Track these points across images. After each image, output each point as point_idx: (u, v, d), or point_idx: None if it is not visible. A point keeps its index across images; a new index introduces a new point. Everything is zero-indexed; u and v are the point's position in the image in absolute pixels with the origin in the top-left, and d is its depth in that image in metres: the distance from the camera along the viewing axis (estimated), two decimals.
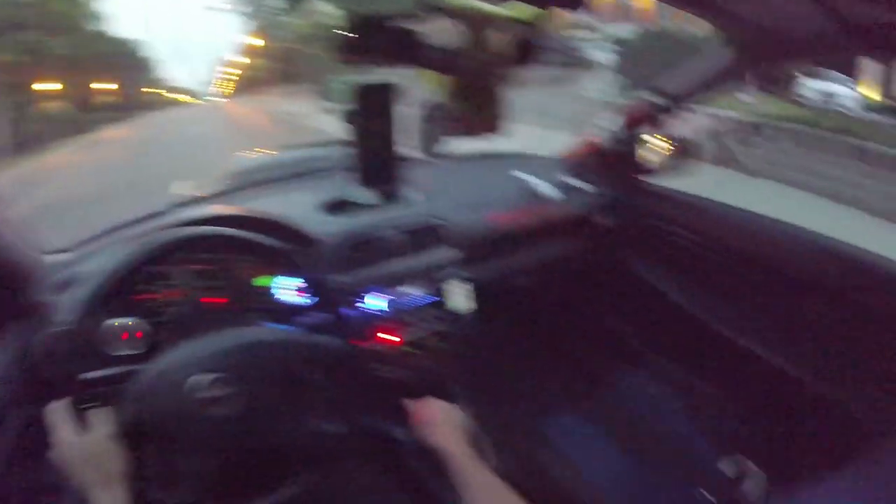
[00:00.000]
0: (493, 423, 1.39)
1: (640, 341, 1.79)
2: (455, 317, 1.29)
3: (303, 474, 0.93)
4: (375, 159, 1.01)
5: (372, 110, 0.95)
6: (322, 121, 13.69)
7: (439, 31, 0.87)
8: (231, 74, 67.15)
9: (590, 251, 1.67)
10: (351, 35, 0.81)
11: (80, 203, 7.32)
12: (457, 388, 1.41)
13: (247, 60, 48.51)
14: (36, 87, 23.67)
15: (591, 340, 1.96)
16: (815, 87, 10.45)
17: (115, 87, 35.26)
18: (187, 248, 1.06)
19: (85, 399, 0.87)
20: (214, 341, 0.91)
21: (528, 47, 0.87)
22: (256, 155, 2.52)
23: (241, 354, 0.89)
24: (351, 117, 0.96)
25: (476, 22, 0.82)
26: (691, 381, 1.34)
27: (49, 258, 1.24)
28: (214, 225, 1.13)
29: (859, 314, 1.25)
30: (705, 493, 1.07)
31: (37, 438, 0.83)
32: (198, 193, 1.61)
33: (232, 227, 0.98)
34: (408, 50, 0.85)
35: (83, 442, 0.82)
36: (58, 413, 0.85)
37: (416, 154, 0.98)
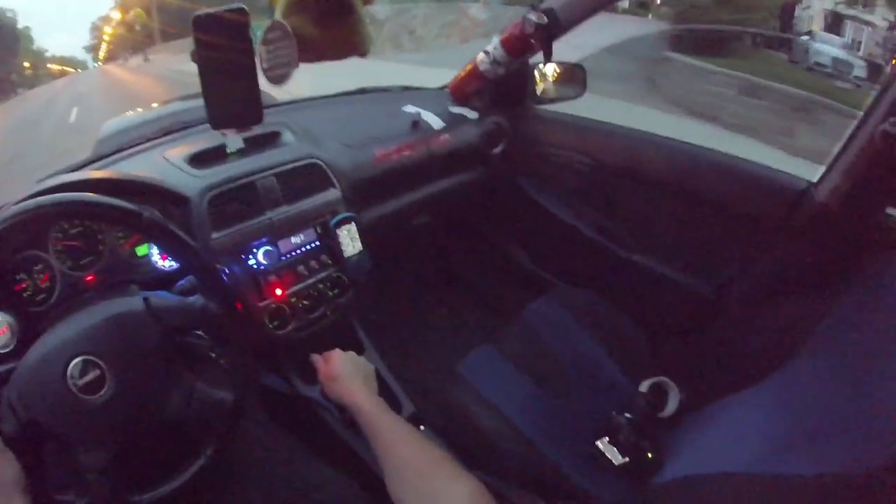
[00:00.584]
0: (402, 369, 1.36)
1: (541, 267, 1.80)
2: (346, 261, 1.22)
3: (207, 446, 0.87)
4: (231, 99, 0.91)
5: (218, 43, 0.84)
6: None
7: None
8: (117, 36, 62.00)
9: (481, 180, 1.64)
10: None
11: None
12: (360, 337, 1.37)
13: (134, 19, 44.90)
14: None
15: (493, 271, 1.96)
16: (826, 51, 8.54)
17: None
18: (45, 220, 0.95)
19: None
20: (80, 321, 0.82)
21: None
22: (125, 116, 2.31)
23: (108, 330, 0.80)
24: (196, 54, 0.86)
25: None
26: (596, 304, 1.35)
27: None
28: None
29: (746, 224, 1.28)
30: (621, 414, 1.07)
31: None
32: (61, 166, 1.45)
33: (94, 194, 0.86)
34: None
35: None
36: None
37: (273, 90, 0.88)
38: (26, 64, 60.92)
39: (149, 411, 0.81)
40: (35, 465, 0.76)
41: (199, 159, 1.18)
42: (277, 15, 0.74)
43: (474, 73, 1.54)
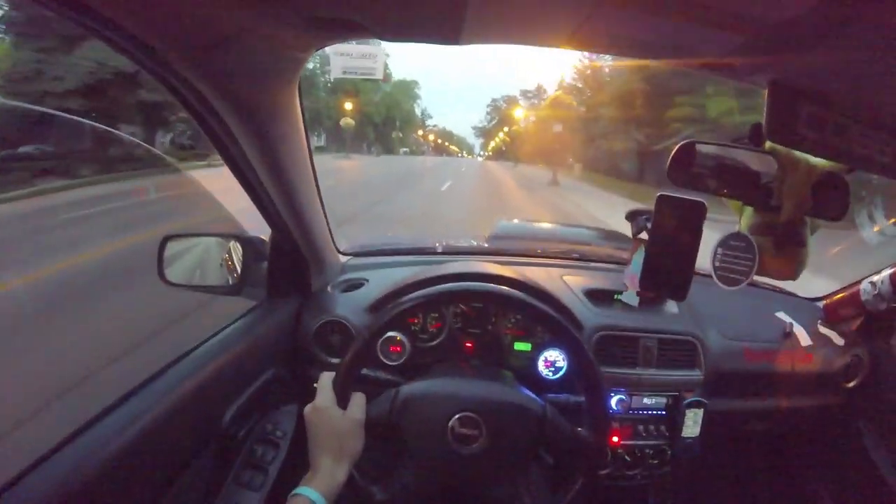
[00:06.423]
0: None
1: None
2: (680, 440, 1.25)
3: None
4: (666, 270, 0.99)
5: (677, 223, 0.95)
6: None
7: (754, 164, 0.87)
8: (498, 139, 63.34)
9: (824, 409, 1.50)
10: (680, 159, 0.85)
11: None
12: None
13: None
14: None
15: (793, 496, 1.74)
16: None
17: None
18: (472, 298, 1.16)
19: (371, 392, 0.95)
20: (483, 388, 0.97)
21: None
22: (516, 222, 2.65)
23: (503, 410, 0.93)
24: (657, 224, 0.96)
25: (792, 165, 0.81)
26: None
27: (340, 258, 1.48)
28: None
29: None
30: None
31: None
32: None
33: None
34: (724, 177, 0.87)
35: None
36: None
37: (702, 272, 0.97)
38: (348, 106, 40.86)
39: (485, 479, 0.92)
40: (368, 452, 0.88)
41: (594, 295, 1.36)
42: (742, 227, 0.85)
43: (854, 301, 1.47)
